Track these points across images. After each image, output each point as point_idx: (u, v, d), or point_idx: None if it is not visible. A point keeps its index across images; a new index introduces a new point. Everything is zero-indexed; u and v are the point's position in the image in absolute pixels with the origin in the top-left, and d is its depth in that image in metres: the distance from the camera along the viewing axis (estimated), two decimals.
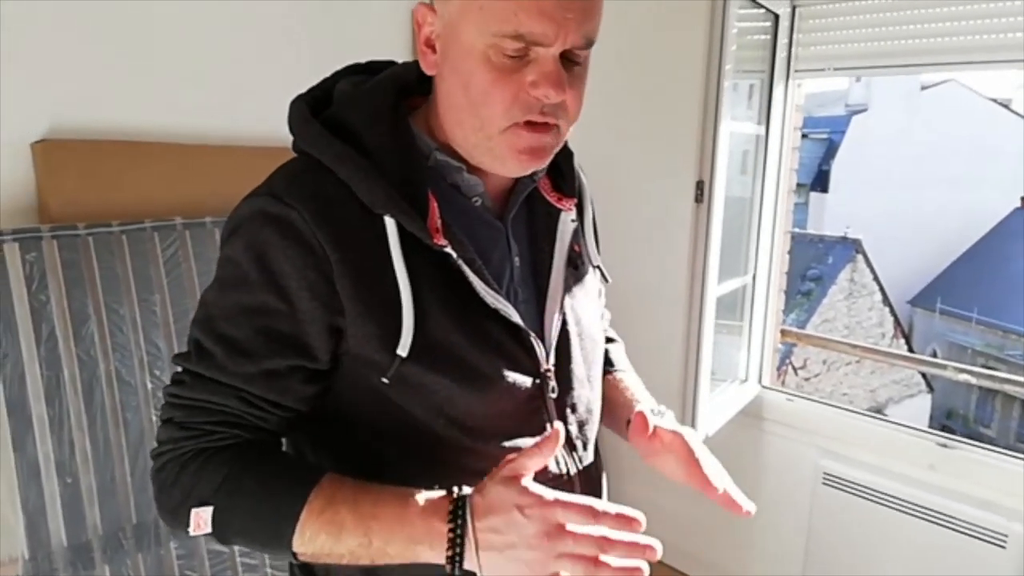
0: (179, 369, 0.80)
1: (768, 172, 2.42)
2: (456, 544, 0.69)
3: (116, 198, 1.77)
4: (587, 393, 0.93)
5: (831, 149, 17.98)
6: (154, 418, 1.70)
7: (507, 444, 0.82)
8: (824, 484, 2.32)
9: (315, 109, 0.82)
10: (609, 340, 1.17)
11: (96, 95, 1.75)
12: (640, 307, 2.65)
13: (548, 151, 0.81)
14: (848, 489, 2.27)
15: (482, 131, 0.77)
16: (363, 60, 0.91)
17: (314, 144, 0.79)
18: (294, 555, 0.75)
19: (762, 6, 2.18)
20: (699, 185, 2.05)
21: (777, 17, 2.30)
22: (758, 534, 2.58)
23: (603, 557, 0.68)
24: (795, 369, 11.18)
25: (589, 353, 0.94)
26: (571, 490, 0.86)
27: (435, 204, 0.78)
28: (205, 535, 0.75)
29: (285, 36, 1.99)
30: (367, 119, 0.80)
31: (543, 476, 0.82)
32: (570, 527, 0.68)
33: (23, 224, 1.63)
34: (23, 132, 1.65)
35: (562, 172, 0.94)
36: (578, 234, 0.96)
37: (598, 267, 1.02)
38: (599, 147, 2.72)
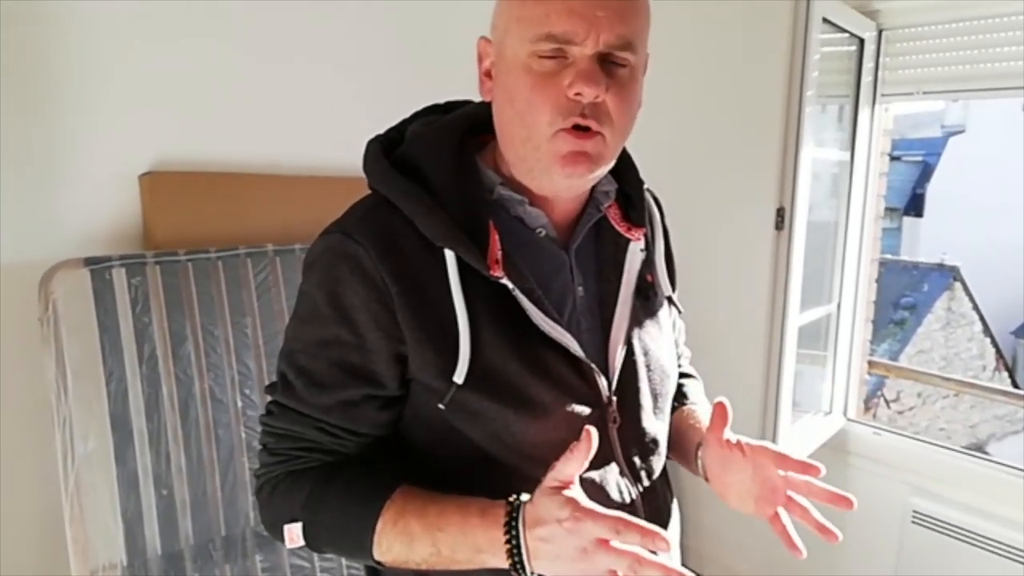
0: (270, 400, 0.86)
1: (854, 198, 2.36)
2: (515, 553, 0.72)
3: (213, 226, 1.88)
4: (653, 425, 0.93)
5: (926, 172, 17.25)
6: (244, 435, 1.79)
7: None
8: (914, 523, 2.22)
9: (388, 149, 0.87)
10: (687, 375, 1.16)
11: (197, 131, 1.87)
12: (720, 336, 2.61)
13: (592, 159, 0.80)
14: (939, 529, 2.16)
15: (530, 141, 0.80)
16: (446, 99, 0.95)
17: (382, 182, 0.84)
18: (378, 563, 0.79)
19: (846, 31, 2.15)
20: (780, 212, 2.02)
21: (862, 41, 2.26)
22: (843, 572, 2.48)
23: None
24: (887, 402, 10.69)
25: (657, 385, 0.94)
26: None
27: (496, 236, 0.81)
28: (301, 547, 0.82)
29: (374, 75, 2.07)
30: (432, 158, 0.84)
31: (606, 506, 0.84)
32: (612, 543, 0.69)
33: (129, 251, 1.76)
34: (132, 165, 1.78)
35: (631, 201, 0.95)
36: (649, 264, 0.96)
37: (670, 298, 1.01)
38: (679, 173, 2.72)
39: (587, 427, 0.73)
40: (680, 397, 1.09)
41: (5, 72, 1.59)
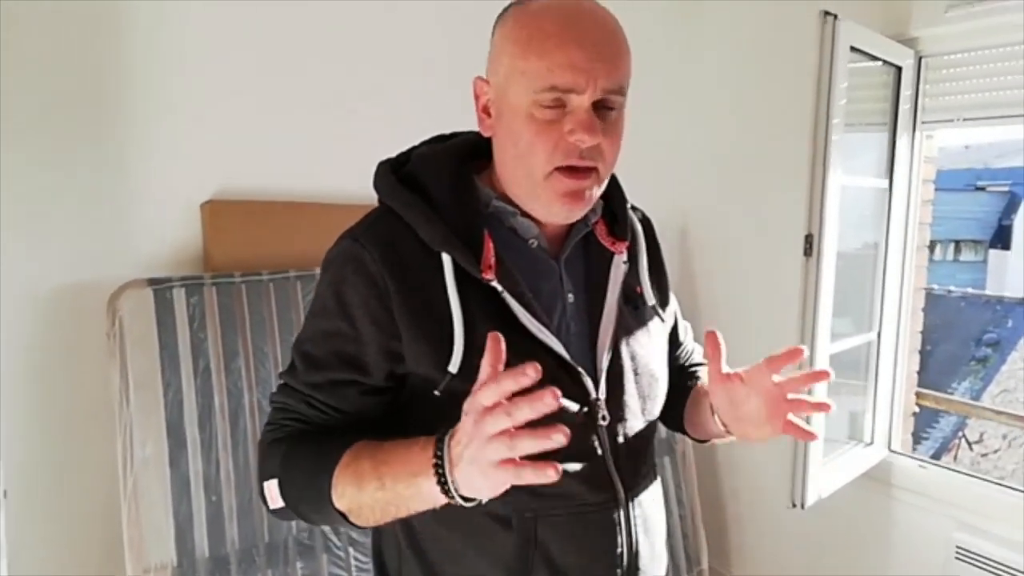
0: (279, 380, 0.98)
1: (893, 225, 2.34)
2: (440, 468, 0.76)
3: (266, 250, 2.02)
4: (640, 425, 0.98)
5: (1013, 202, 16.53)
6: None
7: (557, 463, 0.88)
8: (958, 559, 2.16)
9: (397, 168, 0.97)
10: (699, 364, 1.23)
11: (254, 163, 2.02)
12: (748, 361, 2.62)
13: (587, 196, 0.90)
14: (984, 566, 2.10)
15: (530, 179, 0.89)
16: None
17: (388, 194, 0.94)
18: (341, 515, 0.86)
19: (880, 59, 2.17)
20: (808, 239, 2.03)
21: (900, 69, 2.26)
22: None
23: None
24: (969, 443, 10.18)
25: (645, 388, 1.00)
26: (616, 515, 0.94)
27: (491, 244, 0.90)
28: (280, 508, 0.90)
29: (414, 112, 2.20)
30: (433, 174, 0.94)
31: (591, 498, 0.92)
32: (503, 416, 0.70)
33: (189, 273, 1.91)
34: (194, 195, 1.94)
35: (617, 218, 1.03)
36: (635, 276, 1.03)
37: (654, 308, 1.06)
38: (707, 199, 2.77)
39: (492, 333, 0.74)
40: (694, 377, 1.17)
41: (81, 111, 1.77)
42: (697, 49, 2.74)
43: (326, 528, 1.92)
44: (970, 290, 12.54)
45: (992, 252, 16.45)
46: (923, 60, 2.31)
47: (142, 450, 1.74)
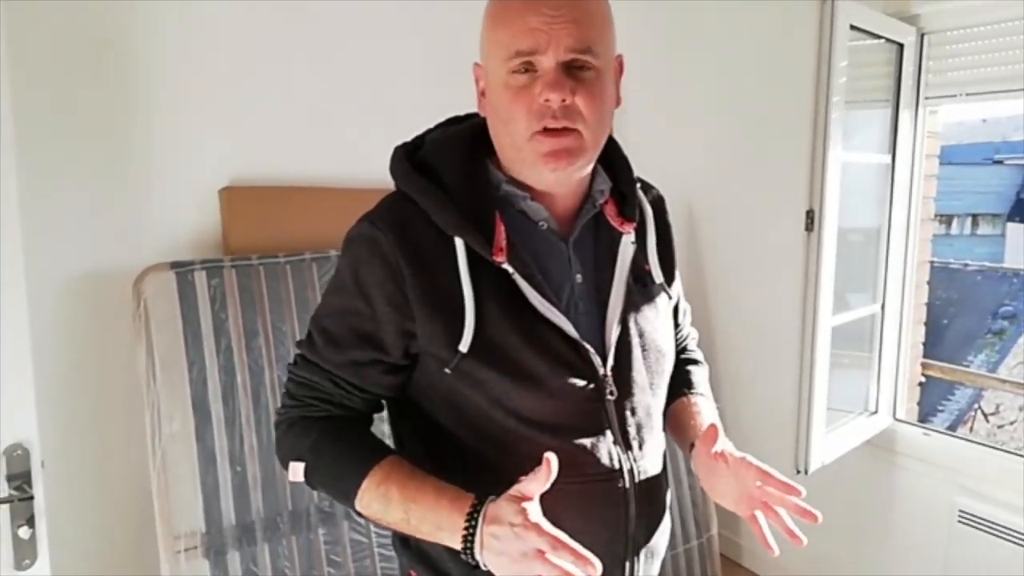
0: (296, 352, 1.02)
1: (896, 200, 2.38)
2: (469, 540, 0.85)
3: (283, 233, 2.10)
4: (648, 399, 1.02)
5: None
6: None
7: (564, 438, 0.94)
8: (960, 522, 2.22)
9: (412, 153, 1.01)
10: (694, 362, 1.24)
11: (269, 151, 2.09)
12: (753, 334, 2.68)
13: (573, 152, 0.92)
14: (986, 528, 2.16)
15: (514, 145, 0.93)
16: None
17: (403, 180, 0.98)
18: (359, 513, 0.95)
19: (882, 37, 2.19)
20: (809, 214, 2.08)
21: (902, 46, 2.29)
22: (892, 571, 2.49)
23: None
24: (985, 415, 10.16)
25: (653, 363, 1.04)
26: (622, 486, 0.98)
27: (502, 227, 0.94)
28: (299, 482, 0.98)
29: (426, 99, 2.26)
30: (446, 160, 0.98)
31: (597, 469, 0.96)
32: (548, 555, 0.80)
33: (209, 256, 1.99)
34: (212, 181, 2.02)
35: (625, 197, 1.06)
36: (643, 255, 1.06)
37: (662, 286, 1.09)
38: (712, 177, 2.82)
39: (547, 455, 0.82)
40: (687, 385, 1.18)
41: (105, 105, 1.85)
42: (699, 31, 2.78)
43: None
44: (987, 263, 12.43)
45: (1010, 225, 16.24)
46: (925, 36, 2.33)
47: (169, 425, 1.82)
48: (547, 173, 0.94)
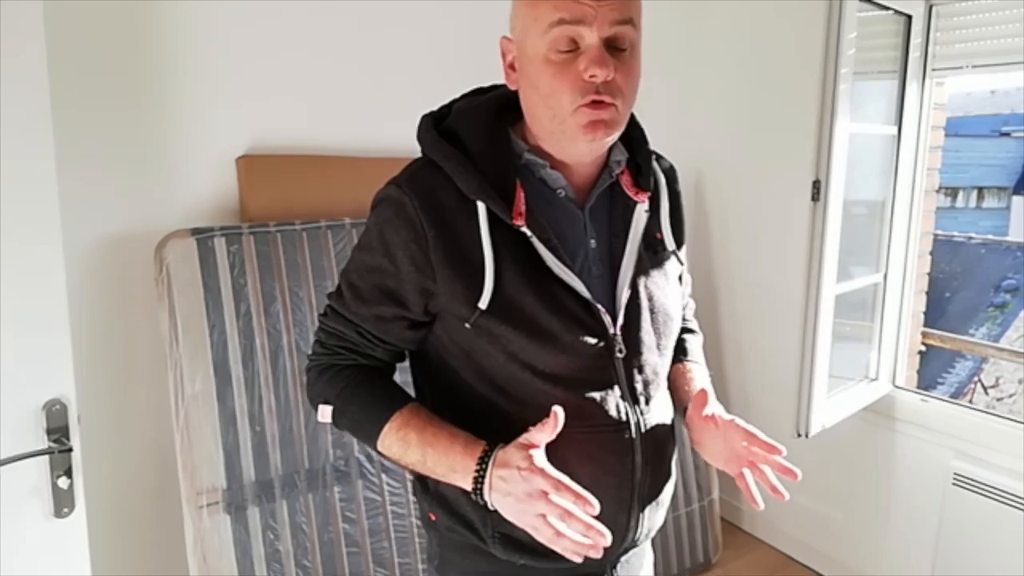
0: (327, 303, 1.09)
1: (902, 171, 2.41)
2: (479, 481, 0.93)
3: (299, 201, 2.15)
4: (655, 358, 1.08)
5: None
6: None
7: (575, 390, 1.00)
8: (955, 484, 2.29)
9: (438, 121, 1.06)
10: (690, 331, 1.30)
11: (285, 120, 2.13)
12: (759, 302, 2.74)
13: (609, 124, 0.97)
14: (978, 490, 2.23)
15: (555, 119, 0.97)
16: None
17: (430, 147, 1.03)
18: (380, 453, 1.03)
19: (890, 8, 2.21)
20: (816, 184, 2.11)
21: (910, 18, 2.31)
22: (888, 532, 2.57)
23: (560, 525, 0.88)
24: (985, 388, 10.25)
25: (661, 325, 1.09)
26: (629, 436, 1.04)
27: (522, 193, 0.99)
28: (326, 423, 1.07)
29: (437, 70, 2.30)
30: (470, 128, 1.03)
31: (606, 420, 1.02)
32: (551, 496, 0.87)
33: (228, 223, 2.04)
34: (230, 150, 2.06)
35: (640, 168, 1.11)
36: (656, 223, 1.11)
37: (674, 252, 1.15)
38: (720, 147, 2.86)
39: (555, 408, 0.89)
40: (682, 352, 1.24)
41: (126, 78, 1.88)
42: (704, 6, 2.80)
43: (361, 456, 2.08)
44: (991, 236, 12.44)
45: (1016, 199, 16.21)
46: (933, 8, 2.35)
47: (192, 386, 1.89)
48: (583, 143, 0.98)
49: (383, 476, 2.12)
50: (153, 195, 1.96)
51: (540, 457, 0.90)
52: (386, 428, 1.01)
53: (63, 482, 1.36)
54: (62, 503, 1.35)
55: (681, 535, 2.72)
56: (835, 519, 2.71)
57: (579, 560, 0.88)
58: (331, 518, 2.04)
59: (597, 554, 0.87)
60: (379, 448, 1.03)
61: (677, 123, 2.76)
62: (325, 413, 1.06)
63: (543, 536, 0.88)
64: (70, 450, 1.36)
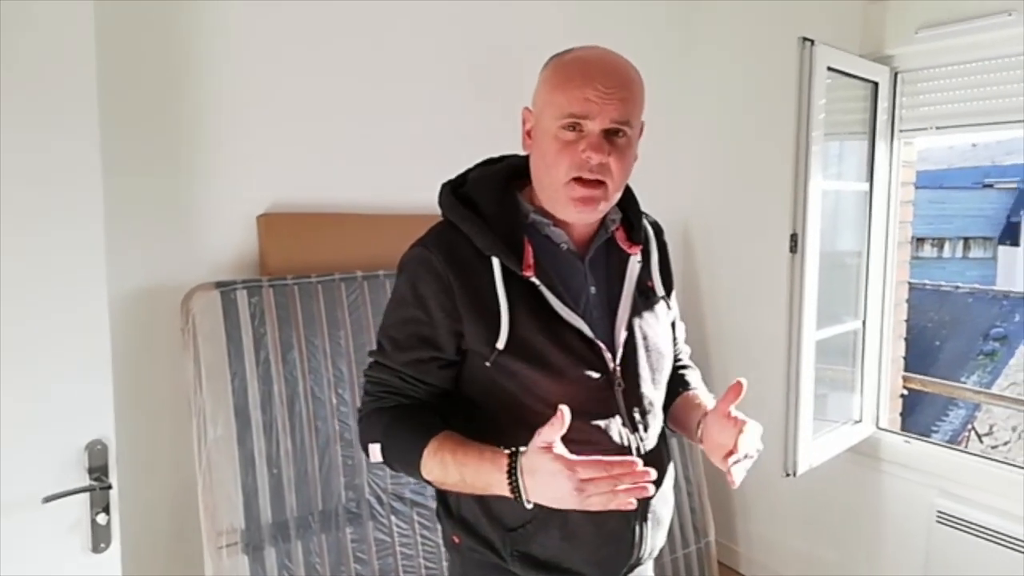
0: (370, 359, 1.23)
1: (875, 225, 2.59)
2: (516, 492, 1.04)
3: (315, 256, 2.29)
4: (650, 391, 1.23)
5: (1021, 199, 16.61)
6: (338, 427, 2.17)
7: (583, 419, 1.12)
8: (938, 522, 2.39)
9: (456, 188, 1.23)
10: (687, 367, 1.44)
11: (303, 181, 2.29)
12: (746, 347, 2.91)
13: (596, 201, 1.14)
14: (961, 527, 2.33)
15: (552, 185, 1.14)
16: (516, 149, 1.30)
17: (450, 211, 1.20)
18: (426, 480, 1.14)
19: (858, 77, 2.41)
20: (793, 237, 2.28)
21: (876, 84, 2.51)
22: (878, 569, 2.66)
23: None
24: (979, 436, 10.32)
25: (654, 362, 1.25)
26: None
27: (530, 248, 1.15)
28: (379, 462, 1.18)
29: (445, 134, 2.48)
30: (484, 194, 1.19)
31: (609, 445, 1.16)
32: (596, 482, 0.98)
33: (249, 276, 2.18)
34: (252, 208, 2.22)
35: (632, 225, 1.28)
36: (647, 272, 1.28)
37: (663, 298, 1.32)
38: (705, 204, 3.08)
39: (561, 406, 0.98)
40: (684, 384, 1.38)
41: (159, 143, 2.05)
42: (692, 73, 3.06)
43: (371, 498, 2.18)
44: (977, 286, 12.66)
45: (1001, 248, 16.53)
46: (898, 75, 2.55)
47: (214, 430, 2.00)
48: (573, 214, 1.16)
49: (392, 518, 2.21)
50: (180, 251, 2.11)
51: (566, 452, 1.00)
52: (425, 454, 1.12)
53: (101, 518, 1.46)
54: (100, 538, 1.45)
55: None
56: (827, 559, 2.80)
57: (633, 507, 0.99)
58: (343, 558, 2.12)
59: (647, 492, 0.99)
60: (423, 474, 1.14)
61: (667, 183, 2.96)
62: (375, 452, 1.17)
63: (598, 506, 0.99)
64: (109, 487, 1.47)
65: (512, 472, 1.04)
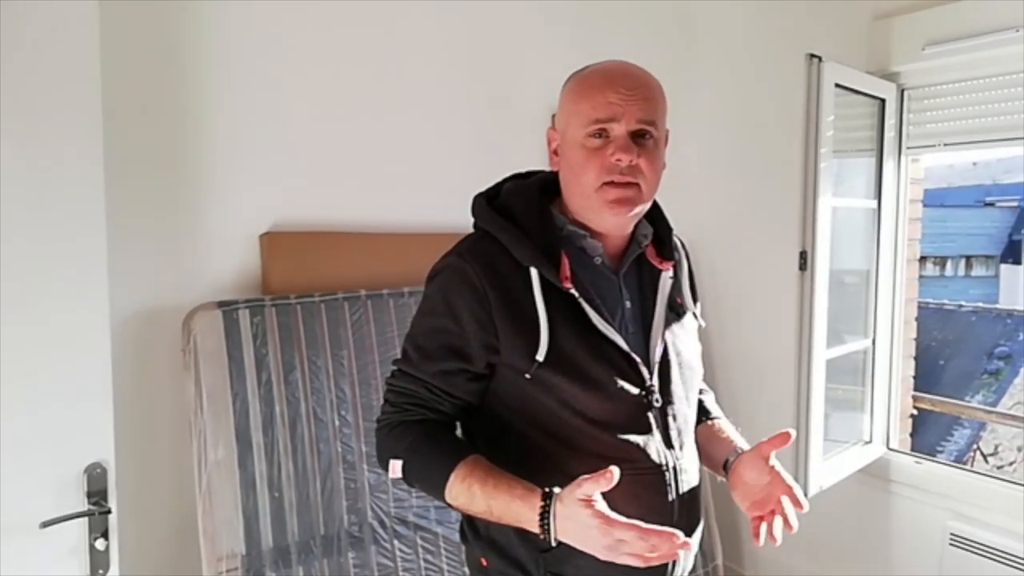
0: (394, 367, 1.20)
1: (883, 242, 2.56)
2: (545, 531, 1.01)
3: (317, 275, 2.26)
4: (684, 408, 1.22)
5: (1023, 217, 16.61)
6: (340, 449, 2.13)
7: (620, 436, 1.12)
8: (951, 544, 2.35)
9: (489, 199, 1.22)
10: (702, 390, 1.40)
11: (305, 200, 2.27)
12: (754, 367, 2.86)
13: (631, 201, 1.13)
14: (975, 550, 2.29)
15: (583, 193, 1.14)
16: (516, 167, 1.30)
17: (487, 221, 1.18)
18: (449, 504, 1.11)
19: (864, 94, 2.40)
20: (803, 255, 2.26)
21: (883, 101, 2.49)
22: None
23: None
24: (984, 456, 10.22)
25: (688, 378, 1.24)
26: (667, 478, 1.15)
27: (567, 260, 1.13)
28: (397, 478, 1.15)
29: (449, 155, 2.46)
30: (521, 205, 1.18)
31: (647, 463, 1.14)
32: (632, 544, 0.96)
33: (251, 296, 2.15)
34: (254, 227, 2.19)
35: (663, 241, 1.27)
36: (677, 288, 1.27)
37: (694, 313, 1.31)
38: (715, 222, 3.04)
39: (612, 468, 0.97)
40: (704, 411, 1.36)
41: (160, 162, 2.03)
42: (700, 92, 3.04)
43: (374, 522, 2.14)
44: (981, 304, 12.62)
45: (1003, 267, 16.52)
46: (905, 92, 2.54)
47: (214, 452, 1.96)
48: (609, 217, 1.15)
49: (395, 542, 2.17)
50: (182, 270, 2.08)
51: (607, 509, 0.98)
52: (451, 479, 1.09)
53: (100, 544, 1.42)
54: (98, 564, 1.42)
55: None
56: None
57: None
58: None
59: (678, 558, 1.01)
60: (447, 499, 1.11)
61: (678, 201, 2.92)
62: (395, 468, 1.14)
63: (633, 563, 0.97)
64: (108, 512, 1.44)
65: (545, 515, 1.01)
